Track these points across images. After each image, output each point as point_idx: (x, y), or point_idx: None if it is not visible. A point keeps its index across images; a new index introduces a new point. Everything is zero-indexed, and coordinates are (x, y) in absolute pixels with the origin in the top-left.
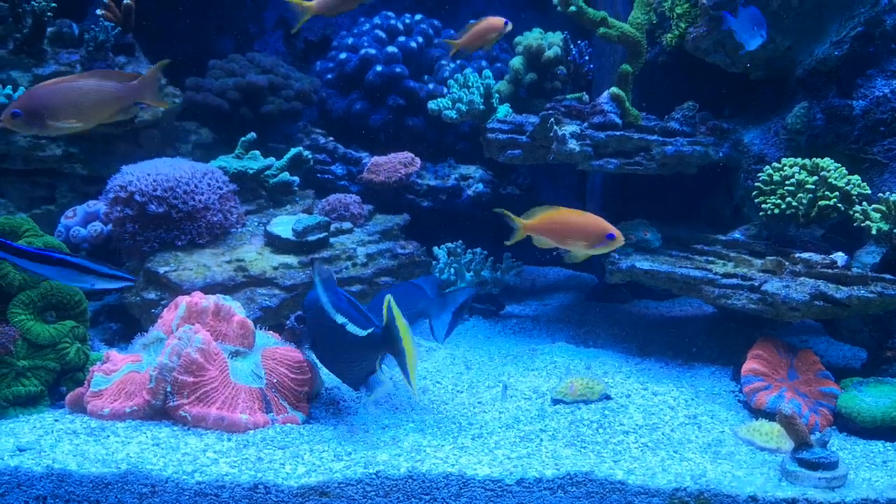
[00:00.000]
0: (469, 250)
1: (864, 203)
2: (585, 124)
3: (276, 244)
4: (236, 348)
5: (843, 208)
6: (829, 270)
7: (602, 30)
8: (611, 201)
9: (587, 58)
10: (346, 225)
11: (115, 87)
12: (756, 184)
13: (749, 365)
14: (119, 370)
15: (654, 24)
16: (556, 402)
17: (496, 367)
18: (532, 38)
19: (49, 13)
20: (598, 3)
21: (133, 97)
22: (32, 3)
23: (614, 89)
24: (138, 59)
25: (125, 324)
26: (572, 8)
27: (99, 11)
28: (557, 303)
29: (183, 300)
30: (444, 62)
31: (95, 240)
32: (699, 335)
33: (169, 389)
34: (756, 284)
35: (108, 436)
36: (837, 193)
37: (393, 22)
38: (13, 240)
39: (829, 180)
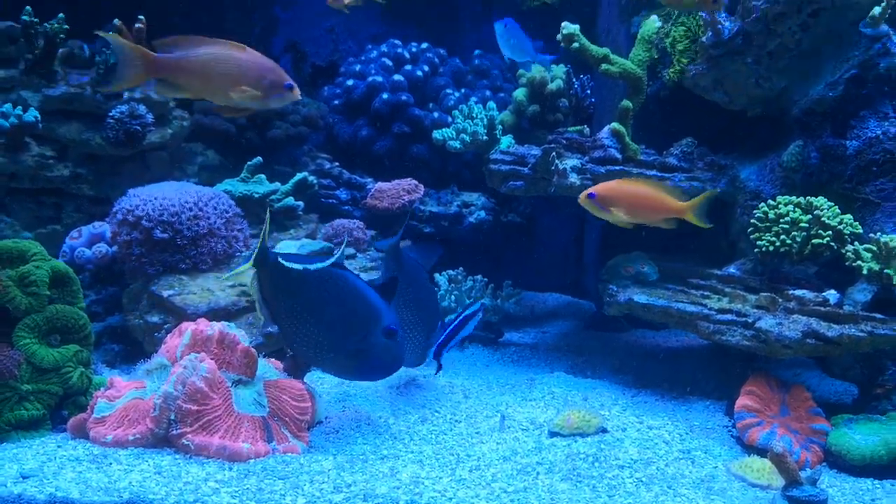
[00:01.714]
0: (470, 277)
1: (856, 242)
2: (586, 158)
3: None
4: (239, 377)
5: (835, 247)
6: (822, 308)
7: (604, 66)
8: (610, 233)
9: (589, 91)
10: (349, 251)
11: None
12: (752, 220)
13: (742, 401)
14: (122, 396)
15: (655, 60)
16: (553, 434)
17: (494, 397)
18: (536, 70)
19: (61, 35)
20: (600, 37)
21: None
22: (45, 25)
23: (615, 125)
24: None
25: (127, 345)
26: (575, 45)
27: (110, 34)
28: (556, 330)
29: (188, 327)
30: (448, 91)
31: (100, 261)
32: (694, 367)
33: (173, 418)
34: (750, 321)
35: (111, 463)
36: (830, 232)
37: (399, 50)
38: (20, 264)
39: (823, 219)
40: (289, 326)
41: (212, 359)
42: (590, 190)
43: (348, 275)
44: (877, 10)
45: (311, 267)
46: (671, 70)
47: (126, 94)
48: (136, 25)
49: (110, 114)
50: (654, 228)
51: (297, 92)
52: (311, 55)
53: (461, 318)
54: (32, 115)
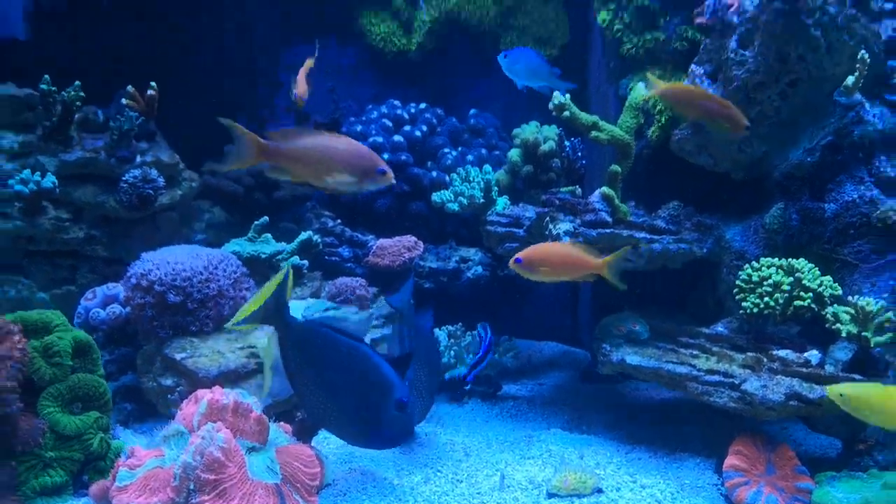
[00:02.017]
0: (469, 332)
1: (836, 305)
2: (578, 221)
3: None
4: (253, 444)
5: (816, 309)
6: (804, 370)
7: (593, 133)
8: (601, 291)
9: (580, 153)
10: (352, 308)
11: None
12: (737, 282)
13: (730, 461)
14: (143, 465)
15: (643, 121)
16: (550, 495)
17: (494, 455)
18: (529, 132)
19: (78, 102)
20: (591, 102)
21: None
22: (63, 93)
23: (605, 189)
24: (158, 143)
25: (139, 404)
26: (566, 113)
27: (125, 101)
28: (552, 382)
29: (205, 396)
30: (446, 150)
31: (114, 322)
32: (684, 422)
33: (192, 487)
34: (737, 383)
35: None
36: (811, 294)
37: (399, 111)
38: (44, 335)
39: (804, 282)
40: (303, 389)
41: (227, 427)
42: (517, 255)
43: (363, 346)
44: (850, 80)
45: (327, 331)
46: (653, 129)
47: (139, 159)
48: (149, 93)
49: (124, 178)
50: (647, 284)
51: (391, 175)
52: (313, 114)
53: (486, 345)
54: (50, 181)
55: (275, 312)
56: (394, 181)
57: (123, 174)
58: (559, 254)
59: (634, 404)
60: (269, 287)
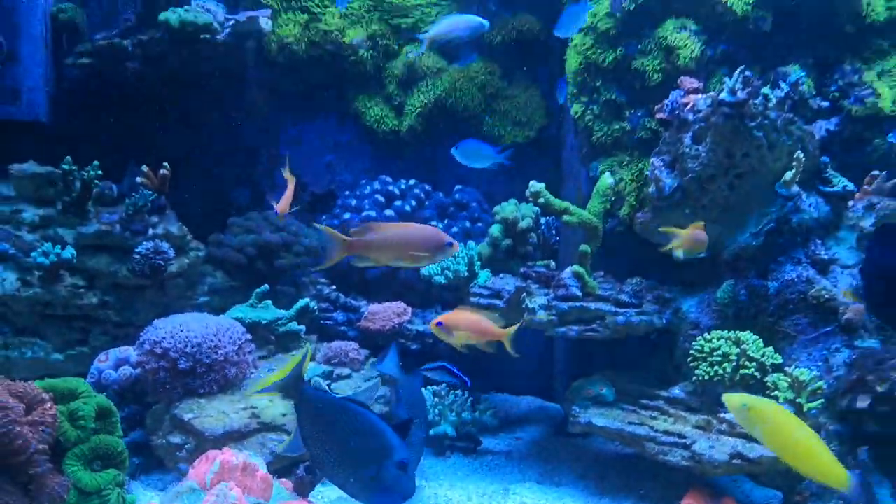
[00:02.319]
0: (452, 392)
1: (777, 373)
2: (552, 295)
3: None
4: (258, 500)
5: (759, 377)
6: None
7: (565, 217)
8: (574, 357)
9: (554, 231)
10: (346, 371)
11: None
12: (691, 351)
13: None
14: None
15: (611, 201)
16: None
17: None
18: (509, 210)
19: (96, 181)
20: (565, 177)
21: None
22: (83, 172)
23: (575, 267)
24: (168, 216)
25: (146, 458)
26: (541, 200)
27: (139, 179)
28: (528, 437)
29: (217, 457)
30: (433, 223)
31: (125, 382)
32: (647, 476)
33: None
34: (688, 443)
35: None
36: (755, 363)
37: (390, 187)
38: (70, 401)
39: (748, 352)
40: (315, 451)
41: (237, 485)
42: (438, 319)
43: (368, 413)
44: (788, 174)
45: (337, 399)
46: (624, 209)
47: (150, 231)
48: (162, 172)
49: (137, 250)
50: (615, 348)
51: (457, 245)
52: (311, 185)
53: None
54: (69, 252)
55: (293, 387)
56: (459, 249)
57: (136, 246)
58: (473, 321)
59: (603, 457)
60: (290, 364)
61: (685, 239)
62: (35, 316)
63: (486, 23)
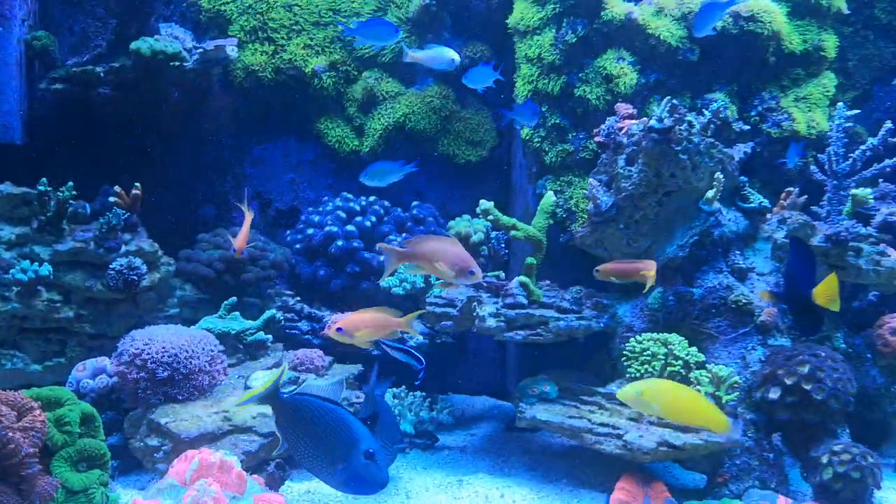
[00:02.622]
0: (411, 393)
1: (700, 370)
2: (500, 303)
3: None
4: (234, 494)
5: (684, 373)
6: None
7: (512, 232)
8: (525, 359)
9: (503, 244)
10: (311, 376)
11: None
12: (624, 351)
13: (616, 495)
14: None
15: (564, 217)
16: None
17: (430, 496)
18: (462, 225)
19: (71, 201)
20: (515, 193)
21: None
22: (58, 192)
23: (522, 278)
24: (140, 234)
25: (123, 460)
26: (490, 217)
27: (112, 199)
28: (482, 433)
29: (196, 456)
30: (392, 237)
31: (102, 391)
32: (587, 464)
33: None
34: (621, 433)
35: None
36: (681, 361)
37: (351, 204)
38: (56, 408)
39: (675, 352)
40: (294, 448)
41: (215, 481)
42: (337, 324)
43: (338, 408)
44: (710, 192)
45: (308, 398)
46: (576, 225)
47: (124, 248)
48: (134, 192)
49: (112, 266)
50: (559, 350)
51: (479, 275)
52: (275, 202)
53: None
54: (46, 269)
55: (269, 394)
56: (482, 281)
57: (111, 262)
58: (370, 319)
59: (550, 450)
60: (271, 379)
61: (650, 274)
62: (13, 329)
63: (458, 59)
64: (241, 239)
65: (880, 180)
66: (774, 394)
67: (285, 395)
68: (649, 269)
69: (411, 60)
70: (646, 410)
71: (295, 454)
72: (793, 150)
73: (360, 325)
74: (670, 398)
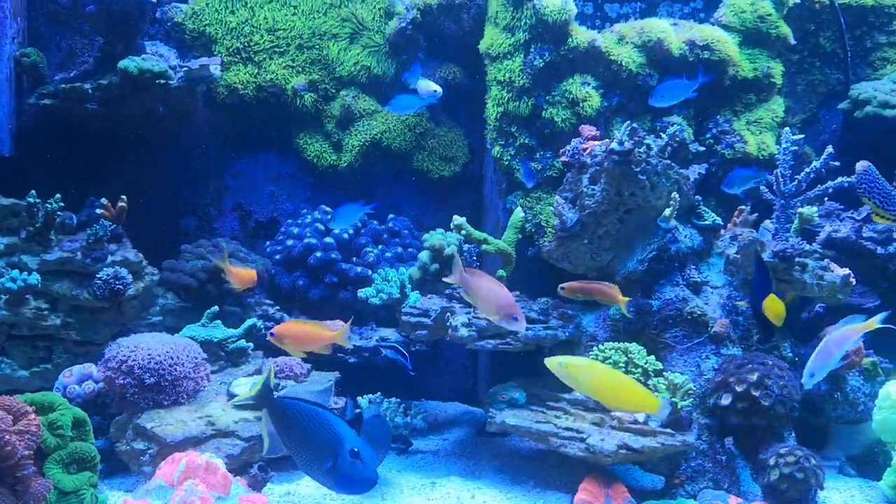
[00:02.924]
0: (386, 399)
1: (657, 377)
2: (472, 313)
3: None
4: (220, 495)
5: (643, 380)
6: (634, 425)
7: (483, 246)
8: (496, 367)
9: (475, 256)
10: (291, 383)
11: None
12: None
13: (579, 496)
14: None
15: (533, 232)
16: None
17: (405, 498)
18: (436, 238)
19: (58, 213)
20: (486, 210)
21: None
22: (46, 204)
23: None
24: (125, 244)
25: (109, 463)
26: (463, 232)
27: (98, 211)
28: (454, 437)
29: (183, 458)
30: (368, 249)
31: (88, 396)
32: (553, 466)
33: None
34: (584, 437)
35: None
36: (640, 369)
37: (329, 217)
38: (49, 412)
39: (634, 360)
40: (288, 448)
41: (201, 482)
42: (272, 330)
43: (320, 410)
44: (667, 211)
45: (298, 402)
46: (544, 239)
47: (109, 258)
48: (119, 204)
49: (98, 275)
50: (529, 357)
51: (522, 321)
52: (255, 213)
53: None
54: (35, 278)
55: (262, 396)
56: (524, 331)
57: (97, 272)
58: (302, 330)
59: (519, 453)
60: (261, 380)
61: (622, 300)
62: (2, 336)
63: (440, 91)
64: (239, 279)
65: (825, 199)
66: (726, 400)
67: (276, 397)
68: (617, 295)
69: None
70: (568, 383)
71: (291, 454)
72: (738, 175)
73: (290, 334)
74: (598, 378)
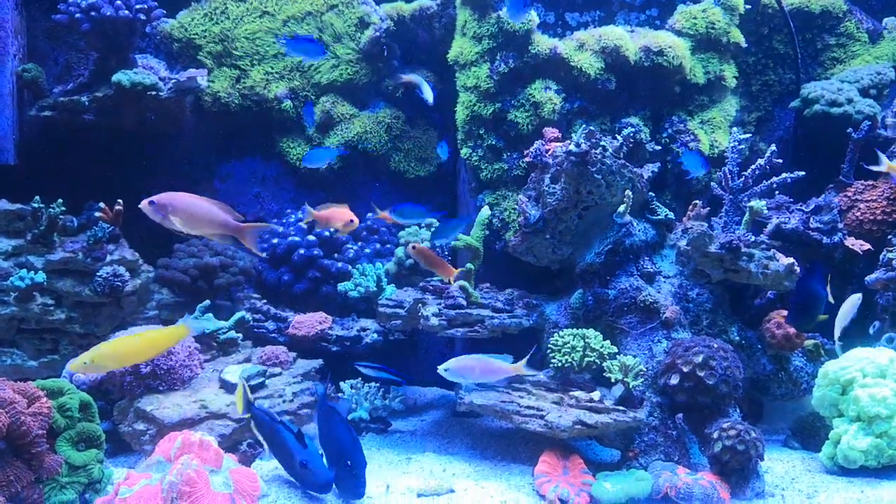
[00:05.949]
0: (366, 384)
1: (612, 360)
2: (443, 304)
3: (227, 388)
4: (212, 468)
5: (598, 363)
6: (590, 403)
7: (454, 242)
8: (469, 351)
9: (447, 252)
10: (277, 370)
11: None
12: (549, 345)
13: (539, 467)
14: (137, 484)
15: (499, 227)
16: (420, 495)
17: (382, 472)
18: (409, 234)
19: (61, 216)
20: (460, 205)
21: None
22: (49, 209)
23: (461, 282)
24: (122, 245)
25: (112, 444)
26: (433, 229)
27: (97, 214)
28: (431, 419)
29: (178, 436)
30: (349, 245)
31: (92, 383)
32: (519, 443)
33: (174, 496)
34: (543, 414)
35: None
36: (596, 353)
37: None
38: (59, 396)
39: (591, 344)
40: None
41: (196, 457)
42: (151, 199)
43: (277, 426)
44: (622, 207)
45: (265, 418)
46: (509, 234)
47: (108, 258)
48: (116, 207)
49: (98, 273)
50: (497, 344)
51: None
52: (242, 213)
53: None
54: (41, 277)
55: (246, 407)
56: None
57: (97, 270)
58: (196, 203)
59: (489, 432)
60: (238, 393)
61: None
62: (12, 330)
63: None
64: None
65: (776, 192)
66: (674, 380)
67: (255, 408)
68: (450, 273)
69: (406, 80)
70: (95, 371)
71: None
72: (694, 161)
73: (177, 205)
74: (122, 350)
